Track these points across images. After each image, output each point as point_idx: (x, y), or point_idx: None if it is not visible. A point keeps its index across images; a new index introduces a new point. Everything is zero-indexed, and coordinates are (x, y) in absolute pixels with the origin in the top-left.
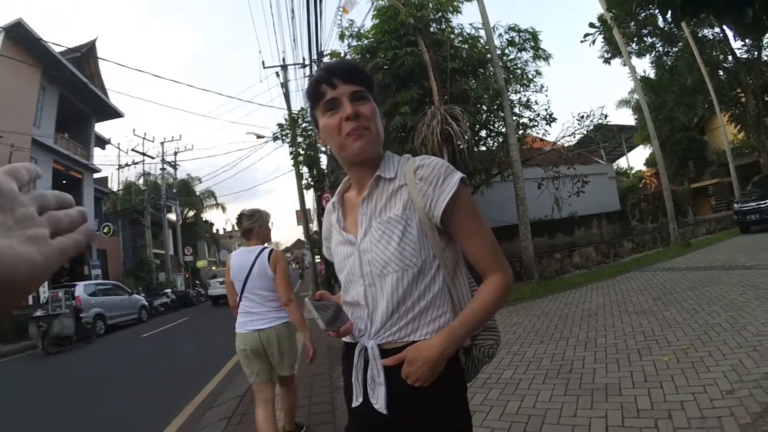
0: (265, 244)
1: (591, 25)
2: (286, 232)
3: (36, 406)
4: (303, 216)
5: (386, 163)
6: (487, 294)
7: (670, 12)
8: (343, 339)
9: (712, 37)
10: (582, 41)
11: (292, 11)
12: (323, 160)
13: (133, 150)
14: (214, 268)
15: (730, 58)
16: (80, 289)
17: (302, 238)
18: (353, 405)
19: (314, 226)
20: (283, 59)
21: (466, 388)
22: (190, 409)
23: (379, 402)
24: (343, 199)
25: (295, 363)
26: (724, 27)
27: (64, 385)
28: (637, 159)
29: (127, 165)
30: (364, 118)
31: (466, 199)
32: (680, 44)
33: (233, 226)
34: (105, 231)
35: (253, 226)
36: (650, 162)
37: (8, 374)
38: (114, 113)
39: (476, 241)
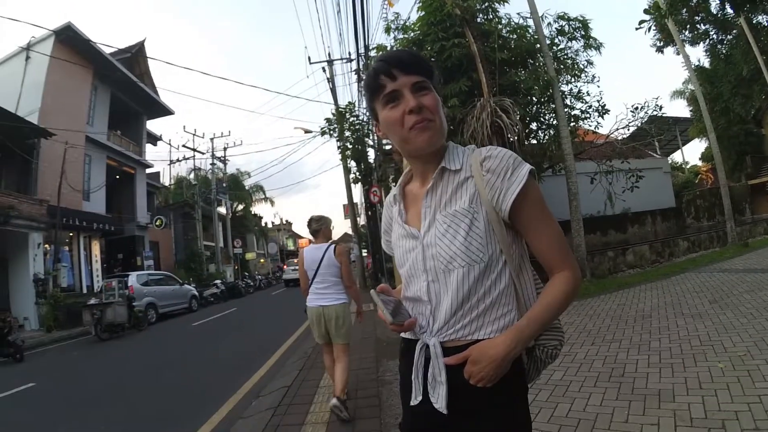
0: (329, 241)
1: (646, 11)
2: (334, 226)
3: (88, 389)
4: (350, 210)
5: (451, 154)
6: (555, 292)
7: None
8: (403, 335)
9: (767, 24)
10: (637, 29)
11: (338, 6)
12: (371, 154)
13: (183, 146)
14: (262, 261)
15: None
16: (133, 278)
17: (349, 231)
18: (412, 403)
19: (361, 220)
20: (329, 54)
21: (527, 389)
22: (238, 398)
23: (439, 402)
24: (405, 191)
25: (348, 334)
26: None
27: (115, 370)
28: (692, 153)
29: (178, 160)
30: (427, 110)
31: (535, 192)
32: (735, 31)
33: (281, 219)
34: (157, 224)
35: (320, 227)
36: (706, 156)
37: (63, 358)
38: (164, 111)
39: (545, 237)
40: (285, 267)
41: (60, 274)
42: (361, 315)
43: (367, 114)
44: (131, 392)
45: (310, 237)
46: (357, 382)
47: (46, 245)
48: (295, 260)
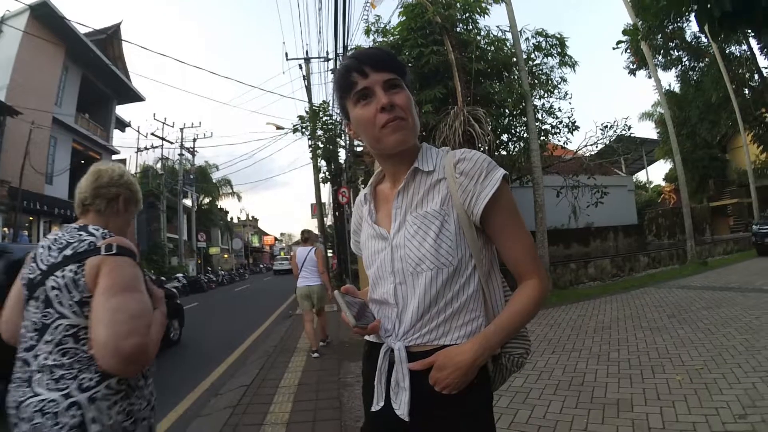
0: (313, 245)
1: (624, 32)
2: (299, 224)
3: None
4: (318, 209)
5: (424, 155)
6: (523, 300)
7: (707, 25)
8: (367, 338)
9: (739, 54)
10: (614, 48)
11: (320, 3)
12: (342, 154)
13: (152, 134)
14: (226, 256)
15: (756, 76)
16: None
17: (315, 231)
18: (373, 408)
19: (328, 220)
20: (307, 52)
21: (492, 397)
22: (195, 395)
23: (401, 408)
24: (376, 191)
25: (324, 303)
26: (752, 44)
27: None
28: (656, 173)
29: (145, 148)
30: (399, 108)
31: (508, 197)
32: (707, 60)
33: (248, 215)
34: None
35: (309, 236)
36: (670, 177)
37: None
38: (135, 97)
39: (516, 243)
40: (273, 262)
41: None
42: (330, 294)
43: (340, 114)
44: None
45: (276, 235)
46: (318, 383)
47: (5, 228)
48: (283, 256)
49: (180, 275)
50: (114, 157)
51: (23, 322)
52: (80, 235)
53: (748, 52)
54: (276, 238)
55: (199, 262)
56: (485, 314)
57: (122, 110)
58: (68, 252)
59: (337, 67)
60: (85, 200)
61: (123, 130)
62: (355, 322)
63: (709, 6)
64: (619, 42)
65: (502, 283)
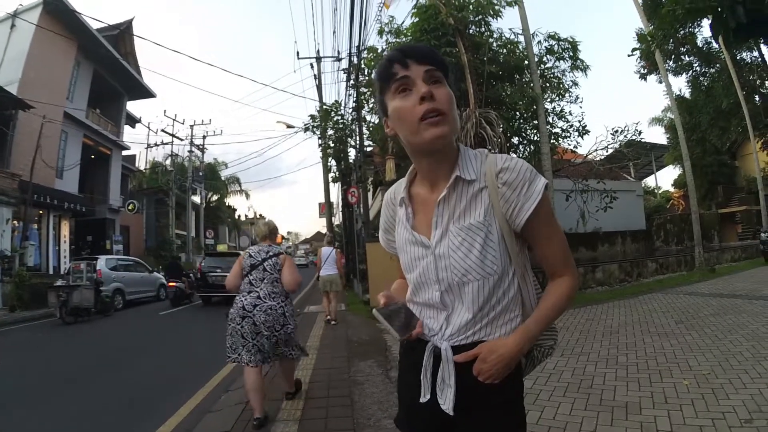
0: (333, 247)
1: (640, 39)
2: (307, 223)
3: (50, 374)
4: (327, 208)
5: (464, 161)
6: (559, 294)
7: (722, 35)
8: None
9: (750, 61)
10: (629, 56)
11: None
12: (351, 154)
13: (162, 131)
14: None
15: (767, 83)
16: (102, 262)
17: (322, 230)
18: (421, 401)
19: (336, 220)
20: (318, 51)
21: (523, 386)
22: (206, 391)
23: (447, 403)
24: (411, 194)
25: (338, 288)
26: (764, 51)
27: (79, 355)
28: (665, 179)
29: (155, 145)
30: (440, 101)
31: (547, 204)
32: (718, 66)
33: (255, 212)
34: (130, 208)
35: (332, 240)
36: (679, 183)
37: (26, 340)
38: (146, 93)
39: (553, 246)
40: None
41: (27, 252)
42: (343, 281)
43: (352, 114)
44: (95, 380)
45: (283, 234)
46: (329, 381)
47: (15, 221)
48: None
49: (188, 271)
50: (124, 152)
51: (249, 278)
52: (270, 247)
53: (760, 59)
54: (283, 237)
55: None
56: (522, 313)
57: (133, 106)
58: (271, 253)
59: (350, 67)
60: (266, 235)
61: (133, 126)
62: (400, 336)
63: (724, 17)
64: (634, 49)
65: (534, 280)
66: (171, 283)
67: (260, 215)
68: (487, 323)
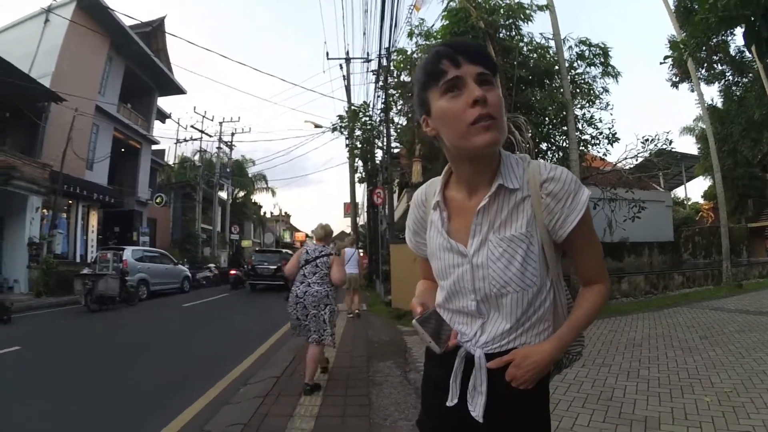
0: (356, 247)
1: (672, 47)
2: (332, 223)
3: (73, 360)
4: (352, 208)
5: (506, 168)
6: (592, 302)
7: (754, 44)
8: None
9: None
10: (661, 63)
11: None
12: (378, 155)
13: (192, 126)
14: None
15: None
16: (128, 252)
17: (346, 230)
18: (448, 404)
19: (361, 220)
20: (347, 52)
21: (549, 391)
22: (224, 384)
23: (477, 410)
24: (446, 197)
25: (358, 285)
26: None
27: (102, 343)
28: (695, 190)
29: (185, 140)
30: (493, 106)
31: (589, 216)
32: (751, 75)
33: (281, 210)
34: (157, 201)
35: (354, 240)
36: (709, 195)
37: (51, 325)
38: (177, 89)
39: (591, 257)
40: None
41: (55, 240)
42: (362, 281)
43: (380, 115)
44: (116, 367)
45: (309, 235)
46: (347, 380)
47: (44, 210)
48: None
49: (212, 265)
50: (153, 147)
51: (303, 271)
52: (324, 248)
53: None
54: (307, 235)
55: (231, 253)
56: (554, 321)
57: (163, 102)
58: (324, 252)
59: (380, 69)
60: (322, 237)
61: (163, 122)
62: (440, 349)
63: (757, 26)
64: (666, 57)
65: (565, 288)
66: (232, 272)
67: (286, 213)
68: (522, 332)
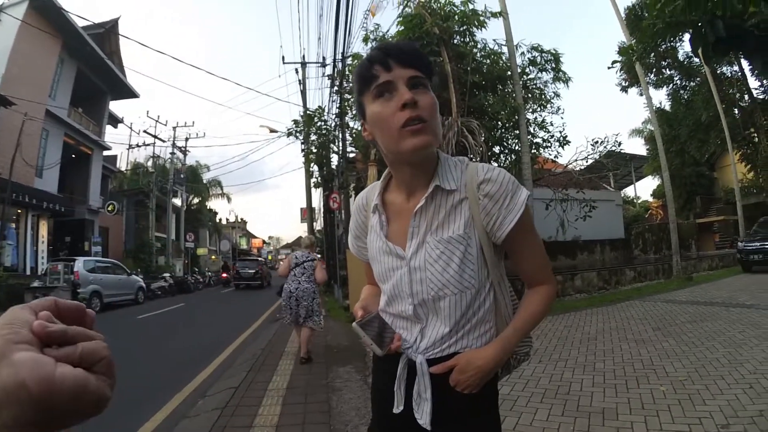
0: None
1: (620, 52)
2: (288, 228)
3: None
4: (308, 214)
5: (444, 170)
6: (536, 304)
7: (701, 48)
8: None
9: (730, 75)
10: (609, 68)
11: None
12: (334, 160)
13: (144, 131)
14: (213, 257)
15: (746, 97)
16: (79, 264)
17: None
18: (394, 411)
19: (318, 225)
20: (303, 56)
21: (498, 392)
22: (182, 396)
23: (423, 417)
24: (385, 201)
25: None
26: (743, 65)
27: None
28: (644, 189)
29: (137, 146)
30: (424, 108)
31: (528, 216)
32: (698, 79)
33: (237, 216)
34: (110, 209)
35: (312, 245)
36: (658, 193)
37: None
38: (129, 93)
39: (532, 257)
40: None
41: (4, 252)
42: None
43: (336, 120)
44: None
45: (267, 242)
46: (307, 387)
47: None
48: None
49: (167, 275)
50: (105, 153)
51: (294, 272)
52: (309, 254)
53: (739, 73)
54: (264, 241)
55: (187, 262)
56: (496, 322)
57: (116, 106)
58: (309, 258)
59: (335, 73)
60: (308, 245)
61: (115, 126)
62: (382, 351)
63: (704, 31)
64: (614, 62)
65: (510, 290)
66: (224, 275)
67: (242, 219)
68: (462, 335)
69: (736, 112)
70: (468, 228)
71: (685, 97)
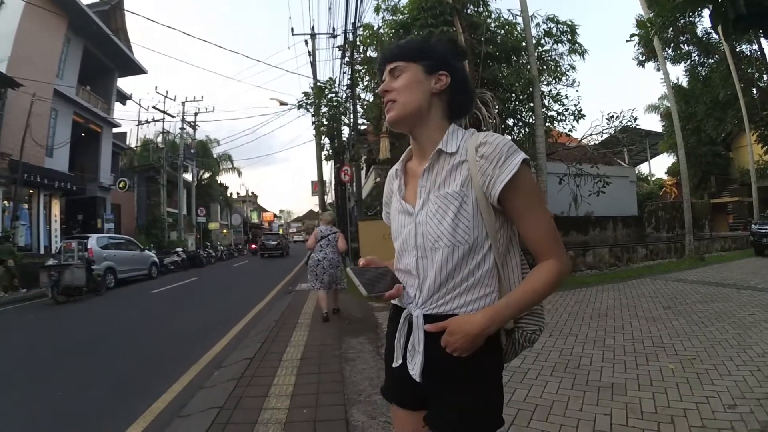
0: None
1: (638, 25)
2: (299, 201)
3: (43, 354)
4: (320, 186)
5: (449, 137)
6: (538, 278)
7: (721, 25)
8: (393, 302)
9: (749, 54)
10: (627, 41)
11: None
12: (345, 132)
13: (153, 107)
14: (225, 231)
15: (765, 77)
16: (93, 241)
17: (315, 209)
18: (393, 365)
19: (329, 198)
20: (313, 28)
21: (502, 368)
22: (198, 368)
23: (415, 369)
24: (406, 167)
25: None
26: (763, 44)
27: (72, 335)
28: (659, 166)
29: (146, 122)
30: (393, 91)
31: (528, 180)
32: (717, 56)
33: (247, 190)
34: (121, 186)
35: (333, 220)
36: (672, 171)
37: (17, 320)
38: (137, 69)
39: (534, 225)
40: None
41: (18, 232)
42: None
43: (347, 92)
44: (88, 358)
45: (278, 215)
46: (320, 358)
47: (5, 201)
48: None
49: (179, 249)
50: (115, 130)
51: (320, 243)
52: (332, 228)
53: (759, 52)
54: (275, 215)
55: (198, 237)
56: (499, 290)
57: (124, 83)
58: (332, 231)
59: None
60: (330, 221)
61: (124, 103)
62: (366, 292)
63: (724, 8)
64: (632, 35)
65: (522, 261)
66: (252, 246)
67: (253, 193)
68: (458, 294)
69: (755, 91)
70: (465, 186)
71: (703, 74)
